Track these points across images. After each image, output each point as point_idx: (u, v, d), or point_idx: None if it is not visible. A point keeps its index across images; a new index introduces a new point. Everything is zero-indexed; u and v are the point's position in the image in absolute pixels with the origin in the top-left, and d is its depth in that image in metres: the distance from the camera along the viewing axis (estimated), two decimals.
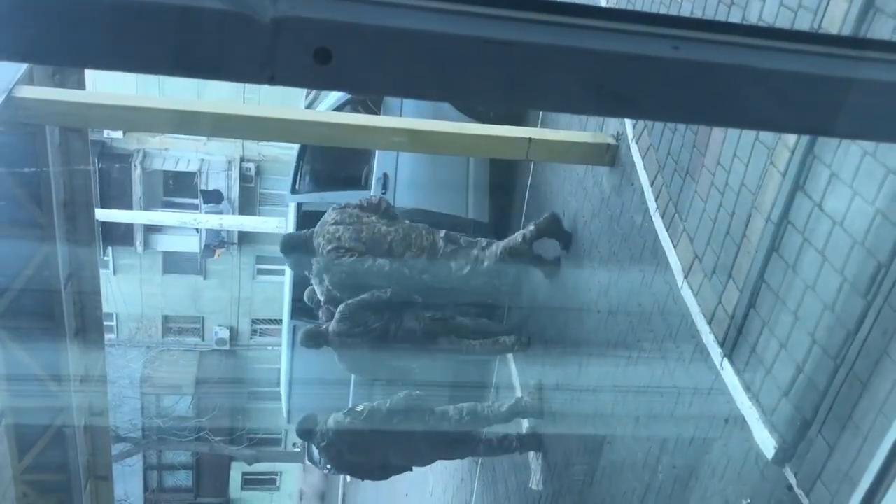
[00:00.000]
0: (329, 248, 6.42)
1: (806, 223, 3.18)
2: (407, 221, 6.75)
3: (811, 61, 0.92)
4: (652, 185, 4.77)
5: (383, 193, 7.74)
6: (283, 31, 0.71)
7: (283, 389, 9.65)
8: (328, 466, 7.20)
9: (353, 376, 8.12)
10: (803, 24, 3.20)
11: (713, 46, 0.89)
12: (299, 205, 8.59)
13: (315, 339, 6.80)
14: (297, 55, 0.73)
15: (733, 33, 0.89)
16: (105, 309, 8.63)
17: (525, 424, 7.06)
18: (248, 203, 20.55)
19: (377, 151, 7.90)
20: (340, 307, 6.59)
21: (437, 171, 8.00)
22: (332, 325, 6.62)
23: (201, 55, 0.75)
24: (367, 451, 6.67)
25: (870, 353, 2.78)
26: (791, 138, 3.28)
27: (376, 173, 8.00)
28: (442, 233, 6.63)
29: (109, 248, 20.31)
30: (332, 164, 8.63)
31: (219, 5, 0.71)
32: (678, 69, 0.87)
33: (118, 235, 19.83)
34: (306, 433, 6.69)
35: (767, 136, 3.47)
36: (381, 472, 7.02)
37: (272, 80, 0.78)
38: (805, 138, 3.19)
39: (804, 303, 3.16)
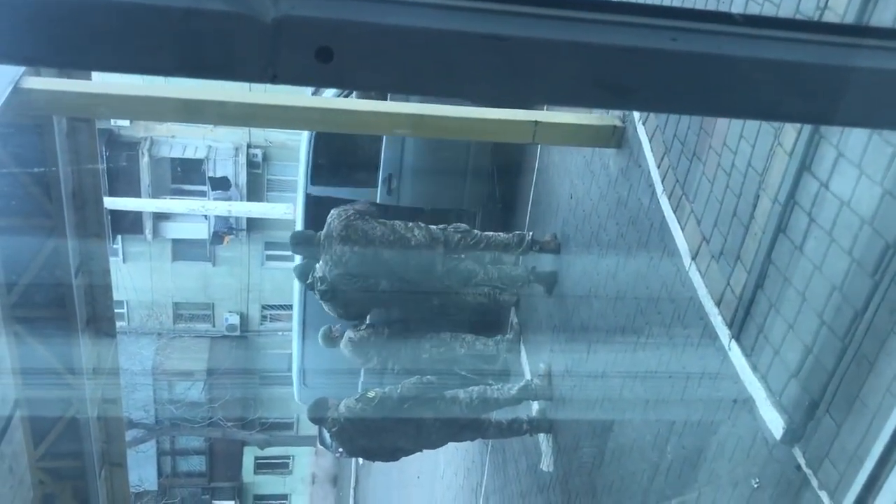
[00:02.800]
0: (336, 272, 6.97)
1: (813, 204, 3.18)
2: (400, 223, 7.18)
3: (811, 50, 0.92)
4: (659, 167, 4.76)
5: (388, 195, 8.04)
6: (284, 31, 0.72)
7: (294, 374, 9.73)
8: (340, 450, 7.30)
9: None
10: (809, 2, 3.18)
11: (711, 37, 0.89)
12: (307, 195, 8.70)
13: (331, 341, 7.55)
14: (299, 54, 0.74)
15: (731, 23, 0.89)
16: (116, 297, 8.69)
17: (535, 407, 7.09)
18: (256, 189, 20.58)
19: (383, 153, 8.15)
20: (349, 335, 7.41)
21: (439, 169, 8.30)
22: (345, 349, 7.42)
23: (204, 56, 0.76)
24: (378, 435, 6.76)
25: (877, 333, 2.79)
26: None
27: (381, 174, 8.22)
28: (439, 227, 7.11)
29: (119, 237, 20.39)
30: (342, 161, 8.79)
31: (220, 6, 0.71)
32: (677, 61, 0.88)
33: (127, 223, 19.91)
34: (318, 419, 6.77)
35: None
36: (392, 454, 7.13)
37: (275, 80, 0.79)
38: None
39: (812, 283, 3.16)
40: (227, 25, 0.72)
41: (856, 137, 2.93)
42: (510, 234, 7.18)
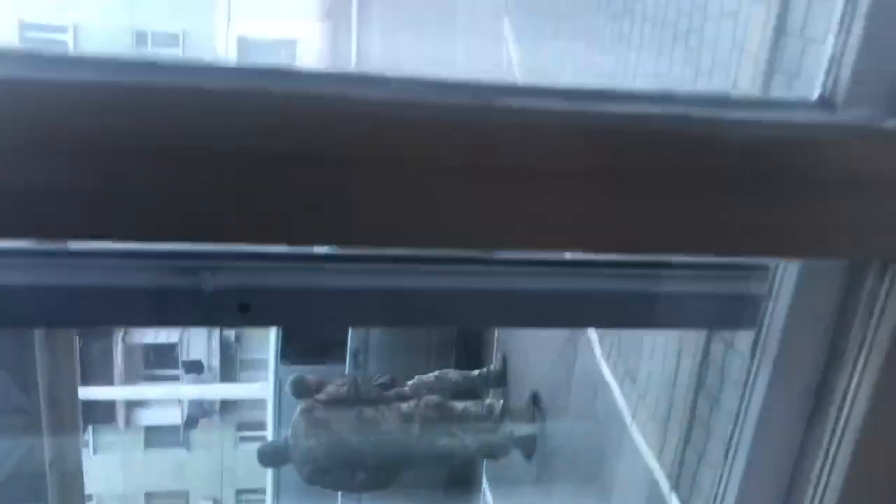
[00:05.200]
0: (309, 468, 6.81)
1: (723, 364, 3.57)
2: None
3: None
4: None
5: (356, 369, 8.37)
6: (219, 296, 1.10)
7: None
8: None
9: None
10: None
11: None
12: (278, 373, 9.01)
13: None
14: (227, 309, 1.12)
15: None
16: (86, 490, 8.63)
17: None
18: (229, 370, 20.67)
19: (350, 330, 8.59)
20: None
21: (404, 342, 8.76)
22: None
23: (165, 309, 1.15)
24: None
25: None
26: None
27: (349, 350, 8.66)
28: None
29: (90, 427, 20.12)
30: (310, 338, 9.23)
31: (182, 282, 1.10)
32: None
33: (99, 413, 19.72)
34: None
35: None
36: None
37: (207, 325, 1.15)
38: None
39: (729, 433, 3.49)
40: (184, 295, 1.11)
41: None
42: (479, 404, 7.20)
